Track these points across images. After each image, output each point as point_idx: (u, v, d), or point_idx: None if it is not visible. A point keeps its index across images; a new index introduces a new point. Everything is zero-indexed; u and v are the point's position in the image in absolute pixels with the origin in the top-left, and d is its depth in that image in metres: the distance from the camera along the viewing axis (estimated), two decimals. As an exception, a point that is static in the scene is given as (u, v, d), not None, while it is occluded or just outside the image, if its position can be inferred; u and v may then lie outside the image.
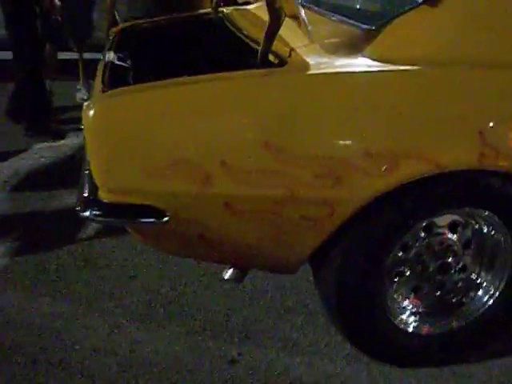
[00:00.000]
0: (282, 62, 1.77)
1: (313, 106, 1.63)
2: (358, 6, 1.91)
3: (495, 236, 1.91)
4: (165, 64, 2.12)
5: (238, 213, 1.64)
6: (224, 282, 2.40)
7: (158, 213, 1.63)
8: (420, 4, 1.76)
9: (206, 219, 1.67)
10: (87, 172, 1.76)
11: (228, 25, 2.47)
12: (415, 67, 1.67)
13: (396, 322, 1.93)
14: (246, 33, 2.20)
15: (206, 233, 1.71)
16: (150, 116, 1.61)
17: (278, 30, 1.74)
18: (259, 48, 1.86)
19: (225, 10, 2.80)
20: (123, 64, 2.19)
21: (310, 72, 1.68)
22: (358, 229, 1.73)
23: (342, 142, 1.61)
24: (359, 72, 1.66)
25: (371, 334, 1.91)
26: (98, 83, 1.90)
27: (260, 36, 2.01)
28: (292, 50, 1.82)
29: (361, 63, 1.70)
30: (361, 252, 1.76)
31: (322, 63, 1.71)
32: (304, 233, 1.69)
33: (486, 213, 1.83)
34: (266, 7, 1.98)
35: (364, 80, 1.67)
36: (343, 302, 1.85)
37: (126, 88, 1.69)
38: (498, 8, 1.75)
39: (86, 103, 1.63)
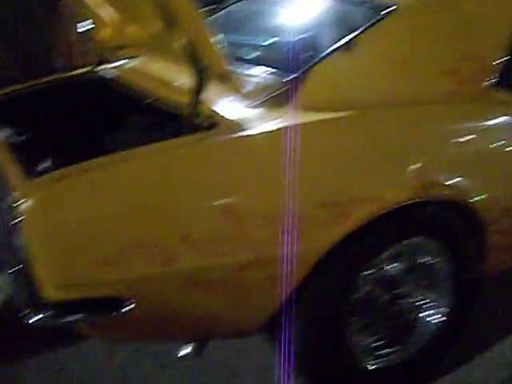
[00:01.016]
0: (211, 124, 1.78)
1: (257, 165, 1.69)
2: (277, 57, 1.99)
3: (433, 260, 2.06)
4: (79, 135, 2.06)
5: (204, 285, 1.64)
6: (158, 359, 2.33)
7: (119, 302, 1.57)
8: (336, 50, 1.89)
9: (172, 298, 1.65)
10: (19, 270, 1.65)
11: (123, 86, 2.40)
12: (345, 112, 1.79)
13: (362, 363, 2.00)
14: (153, 94, 2.16)
15: (172, 312, 1.69)
16: (96, 200, 1.57)
17: (204, 91, 1.76)
18: (178, 109, 1.88)
19: (100, 69, 2.73)
20: (23, 141, 2.08)
21: (243, 132, 1.72)
22: (319, 279, 1.78)
23: (295, 197, 1.66)
24: (294, 125, 1.73)
25: (345, 379, 1.96)
26: (9, 169, 1.79)
27: (172, 96, 2.02)
28: (218, 109, 1.83)
29: (292, 115, 1.78)
30: (323, 302, 1.83)
31: (254, 120, 1.76)
32: (270, 293, 1.72)
33: (426, 240, 1.97)
34: (170, 65, 2.00)
35: (301, 132, 1.73)
36: (312, 352, 1.88)
37: (57, 173, 1.62)
38: (408, 47, 1.93)
39: (15, 197, 1.54)
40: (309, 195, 1.68)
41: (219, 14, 2.93)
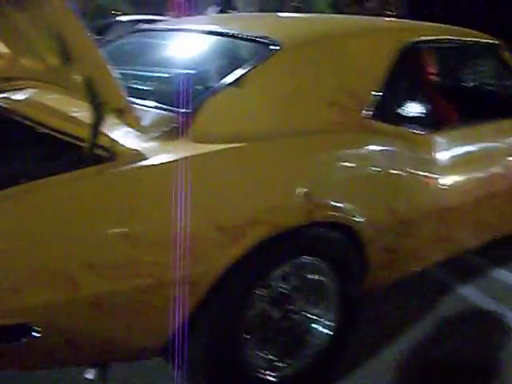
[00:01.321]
0: (111, 156, 1.89)
1: (155, 194, 1.84)
2: (172, 91, 2.13)
3: (320, 278, 2.27)
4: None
5: (108, 310, 1.75)
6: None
7: (25, 330, 1.65)
8: (227, 86, 2.08)
9: (77, 324, 1.75)
10: None
11: (20, 118, 2.44)
12: (236, 144, 1.98)
13: (260, 375, 2.17)
14: (52, 126, 2.22)
15: (77, 337, 1.78)
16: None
17: (102, 124, 1.87)
18: (79, 142, 1.98)
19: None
20: None
21: (142, 163, 1.85)
22: (216, 300, 1.93)
23: (191, 222, 1.81)
24: (188, 156, 1.89)
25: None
26: None
27: (72, 129, 2.11)
28: (118, 142, 1.95)
29: (187, 147, 1.93)
30: (221, 321, 1.99)
31: (151, 152, 1.90)
32: (170, 315, 1.85)
33: (314, 259, 2.18)
34: (69, 97, 2.10)
35: (195, 163, 1.89)
36: (212, 368, 2.03)
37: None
38: (295, 82, 2.15)
39: None
40: (205, 221, 1.84)
41: (111, 46, 3.04)
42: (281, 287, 2.19)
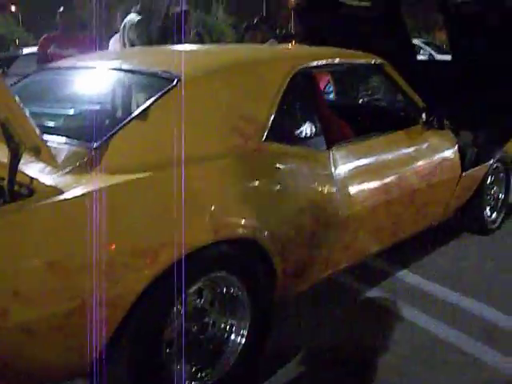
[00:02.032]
0: (29, 192, 2.07)
1: (73, 225, 2.04)
2: (82, 126, 2.35)
3: (232, 291, 2.51)
4: None
5: (37, 335, 1.92)
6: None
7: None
8: (132, 119, 2.32)
9: (7, 350, 1.91)
10: None
11: None
12: (146, 173, 2.22)
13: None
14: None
15: (9, 363, 1.94)
16: None
17: (19, 162, 2.05)
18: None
19: None
20: None
21: (59, 197, 2.04)
22: (136, 319, 2.14)
23: (108, 249, 2.03)
24: (102, 187, 2.10)
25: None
26: None
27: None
28: (35, 178, 2.12)
29: (99, 179, 2.14)
30: (143, 338, 2.19)
31: (67, 186, 2.09)
32: (96, 335, 2.04)
33: (225, 274, 2.43)
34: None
35: (108, 193, 2.09)
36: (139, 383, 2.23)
37: None
38: (198, 111, 2.43)
39: None
40: (120, 246, 2.05)
41: (20, 84, 3.20)
42: (196, 302, 2.42)
